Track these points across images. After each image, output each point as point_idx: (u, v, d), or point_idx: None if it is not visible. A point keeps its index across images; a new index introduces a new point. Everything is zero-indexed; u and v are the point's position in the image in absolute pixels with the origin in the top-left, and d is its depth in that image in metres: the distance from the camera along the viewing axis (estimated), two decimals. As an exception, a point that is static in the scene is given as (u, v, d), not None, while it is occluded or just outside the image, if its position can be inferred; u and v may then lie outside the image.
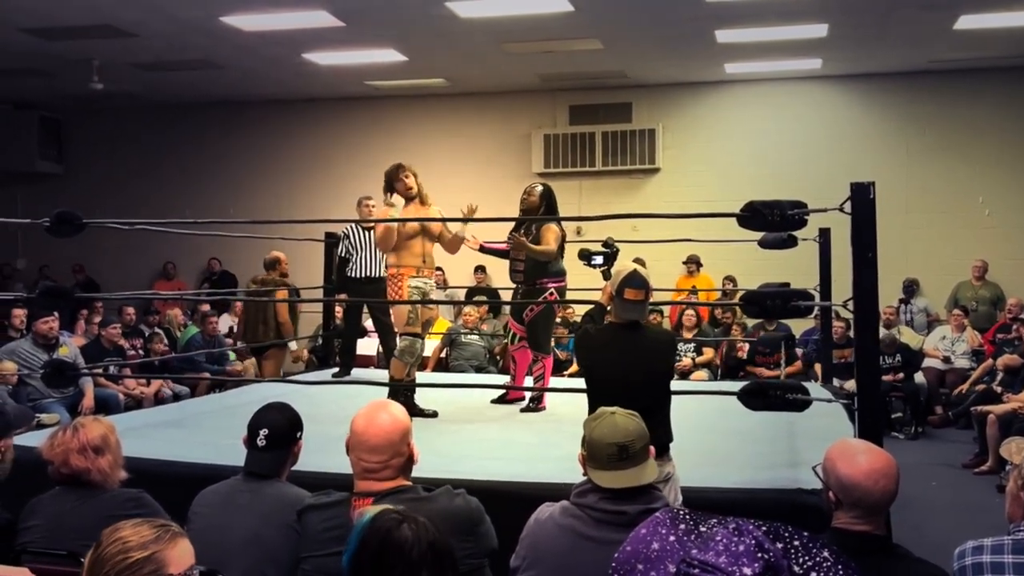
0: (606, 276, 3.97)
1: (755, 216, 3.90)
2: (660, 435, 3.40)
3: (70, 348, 7.35)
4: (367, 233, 6.99)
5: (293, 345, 9.37)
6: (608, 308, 3.65)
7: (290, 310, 8.11)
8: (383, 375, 7.02)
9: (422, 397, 5.53)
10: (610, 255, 4.36)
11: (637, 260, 6.70)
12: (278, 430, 2.76)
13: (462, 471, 3.78)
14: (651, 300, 3.54)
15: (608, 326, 3.56)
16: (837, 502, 2.13)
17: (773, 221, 3.89)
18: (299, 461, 2.85)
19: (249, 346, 8.20)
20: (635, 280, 3.45)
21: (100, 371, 7.61)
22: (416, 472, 2.48)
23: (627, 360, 3.40)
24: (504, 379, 6.95)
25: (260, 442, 2.73)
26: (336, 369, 7.18)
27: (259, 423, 2.77)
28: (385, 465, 2.36)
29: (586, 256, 4.57)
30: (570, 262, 5.49)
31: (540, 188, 5.82)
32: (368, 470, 2.36)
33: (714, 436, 4.69)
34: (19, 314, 7.79)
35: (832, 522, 2.15)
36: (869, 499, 2.09)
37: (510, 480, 3.73)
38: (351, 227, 7.03)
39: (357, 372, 7.20)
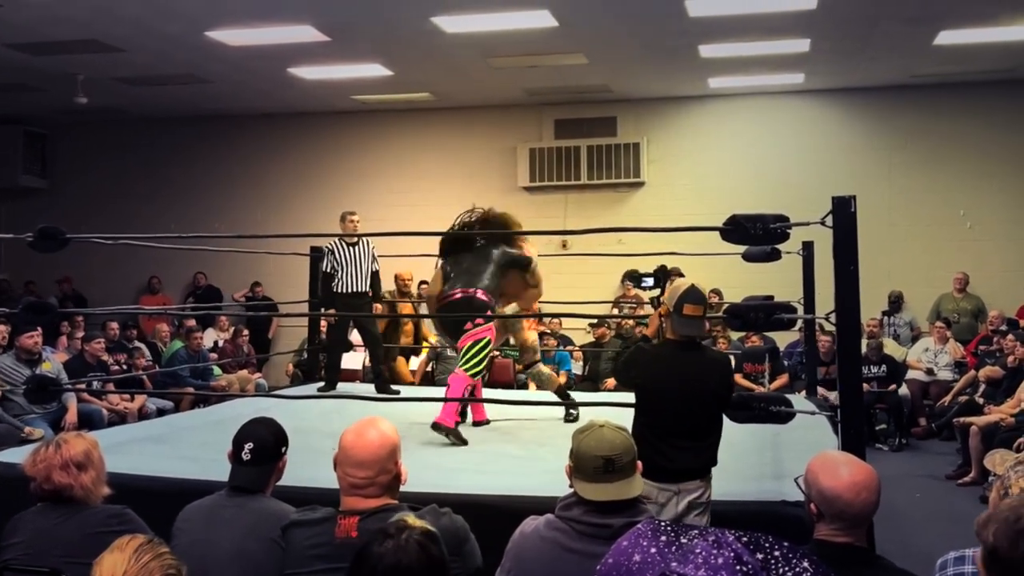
0: (655, 303, 3.85)
1: (738, 229, 3.93)
2: (709, 458, 3.40)
3: (53, 363, 7.30)
4: (352, 249, 6.98)
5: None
6: (654, 340, 3.61)
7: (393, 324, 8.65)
8: (368, 389, 7.02)
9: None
10: (662, 278, 4.31)
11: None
12: (263, 445, 2.75)
13: (449, 485, 3.77)
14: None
15: (665, 343, 3.51)
16: (819, 514, 2.14)
17: (756, 234, 3.92)
18: (284, 476, 2.84)
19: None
20: (693, 295, 3.40)
21: (83, 386, 7.55)
22: (404, 487, 2.48)
23: (683, 380, 3.35)
24: (500, 393, 6.96)
25: (245, 456, 2.73)
26: (322, 383, 7.17)
27: (244, 438, 2.76)
28: (371, 482, 2.35)
29: (635, 278, 4.52)
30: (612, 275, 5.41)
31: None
32: (354, 486, 2.36)
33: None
34: (1, 330, 7.74)
35: (814, 534, 2.17)
36: (850, 511, 2.10)
37: (497, 494, 3.73)
38: (335, 243, 7.01)
39: (342, 386, 7.18)
